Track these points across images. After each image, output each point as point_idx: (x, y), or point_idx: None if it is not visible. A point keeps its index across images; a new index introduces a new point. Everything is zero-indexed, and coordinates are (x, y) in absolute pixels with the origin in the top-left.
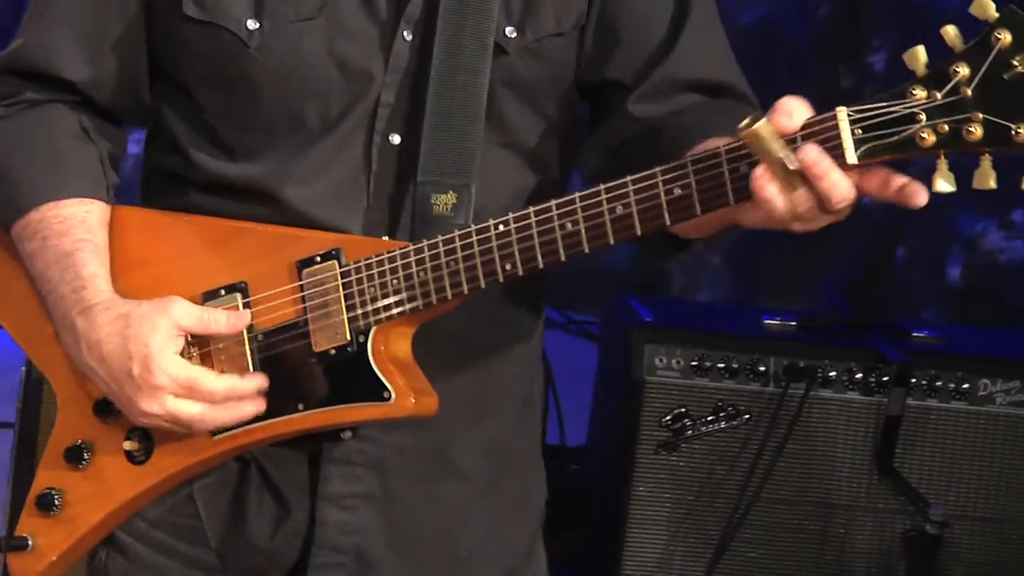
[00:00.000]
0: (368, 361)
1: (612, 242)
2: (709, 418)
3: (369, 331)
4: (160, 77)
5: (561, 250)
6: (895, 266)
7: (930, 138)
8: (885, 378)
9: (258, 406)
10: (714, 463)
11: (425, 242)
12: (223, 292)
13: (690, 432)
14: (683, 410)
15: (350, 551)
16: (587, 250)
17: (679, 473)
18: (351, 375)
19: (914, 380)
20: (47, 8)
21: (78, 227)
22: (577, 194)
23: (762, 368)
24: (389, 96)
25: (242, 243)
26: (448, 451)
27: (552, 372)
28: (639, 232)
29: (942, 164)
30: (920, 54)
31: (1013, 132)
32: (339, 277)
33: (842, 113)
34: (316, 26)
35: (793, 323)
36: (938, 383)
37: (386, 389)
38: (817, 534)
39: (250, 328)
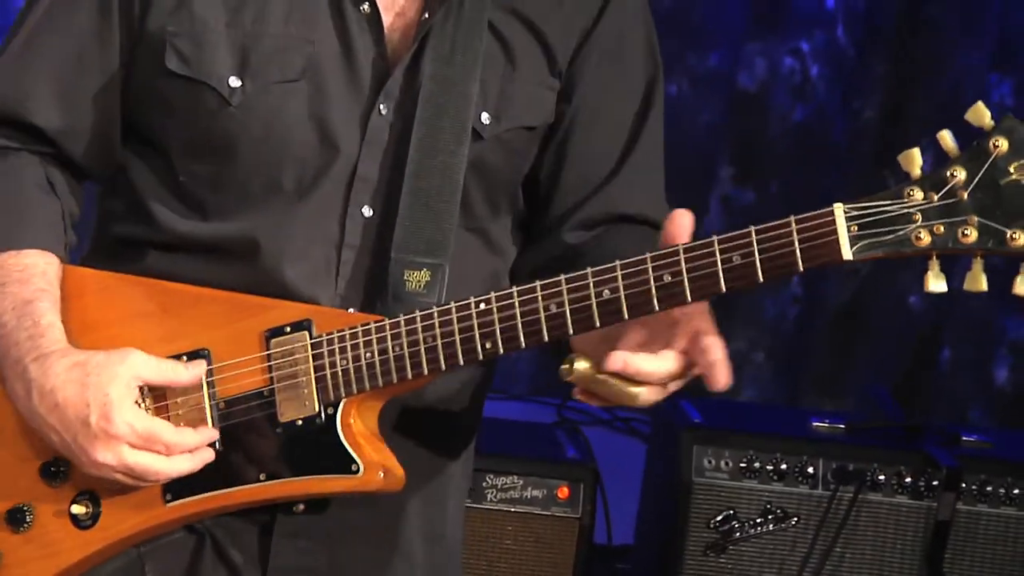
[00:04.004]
0: (337, 433)
1: (599, 325)
2: (757, 520)
3: (339, 404)
4: (131, 135)
5: (545, 331)
6: (940, 367)
7: (926, 238)
8: (935, 482)
9: (209, 457)
10: (762, 566)
11: (402, 316)
12: (185, 359)
13: (738, 534)
14: (731, 512)
15: None
16: (572, 332)
17: (728, 575)
18: (318, 447)
19: (964, 485)
20: (27, 50)
21: (39, 277)
22: (563, 276)
23: (811, 470)
24: (366, 169)
25: (205, 309)
26: (398, 531)
27: (599, 469)
28: (626, 316)
29: (934, 264)
30: (915, 156)
31: (1008, 236)
32: (310, 348)
33: (839, 209)
34: (299, 89)
35: (842, 425)
36: (988, 488)
37: (355, 462)
38: None
39: (212, 394)
